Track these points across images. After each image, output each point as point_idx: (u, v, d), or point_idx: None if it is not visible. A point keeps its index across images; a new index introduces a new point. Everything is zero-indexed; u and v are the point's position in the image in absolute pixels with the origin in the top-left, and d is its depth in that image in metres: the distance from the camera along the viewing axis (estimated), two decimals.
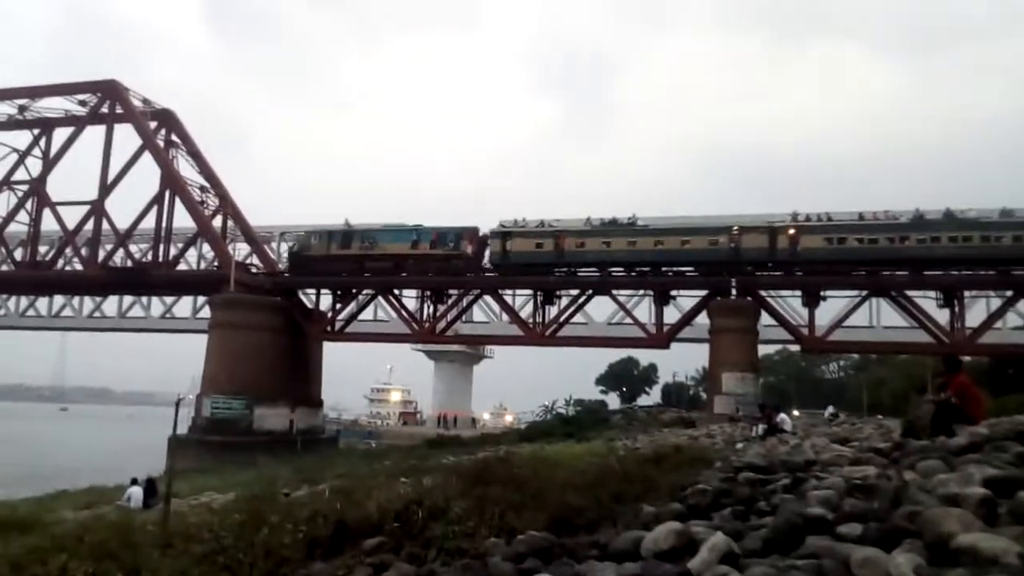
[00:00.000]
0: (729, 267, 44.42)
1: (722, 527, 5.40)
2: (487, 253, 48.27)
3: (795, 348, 55.23)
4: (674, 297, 47.37)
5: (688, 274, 46.18)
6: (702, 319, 46.31)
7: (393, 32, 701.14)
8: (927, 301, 44.12)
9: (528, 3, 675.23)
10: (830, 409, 39.43)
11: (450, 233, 48.86)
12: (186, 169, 56.91)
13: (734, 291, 44.86)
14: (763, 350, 50.58)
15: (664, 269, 45.90)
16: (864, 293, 44.70)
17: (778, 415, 21.44)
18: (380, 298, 52.69)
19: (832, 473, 7.87)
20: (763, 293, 45.76)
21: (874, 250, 41.95)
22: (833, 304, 45.49)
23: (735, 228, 43.87)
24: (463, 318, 53.50)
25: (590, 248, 45.77)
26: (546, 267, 47.03)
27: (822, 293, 44.72)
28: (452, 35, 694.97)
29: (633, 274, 46.85)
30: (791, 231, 43.03)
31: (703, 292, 46.36)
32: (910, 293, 44.17)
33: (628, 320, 48.17)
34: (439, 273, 49.44)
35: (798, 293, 45.19)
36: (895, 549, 4.15)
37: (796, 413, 33.89)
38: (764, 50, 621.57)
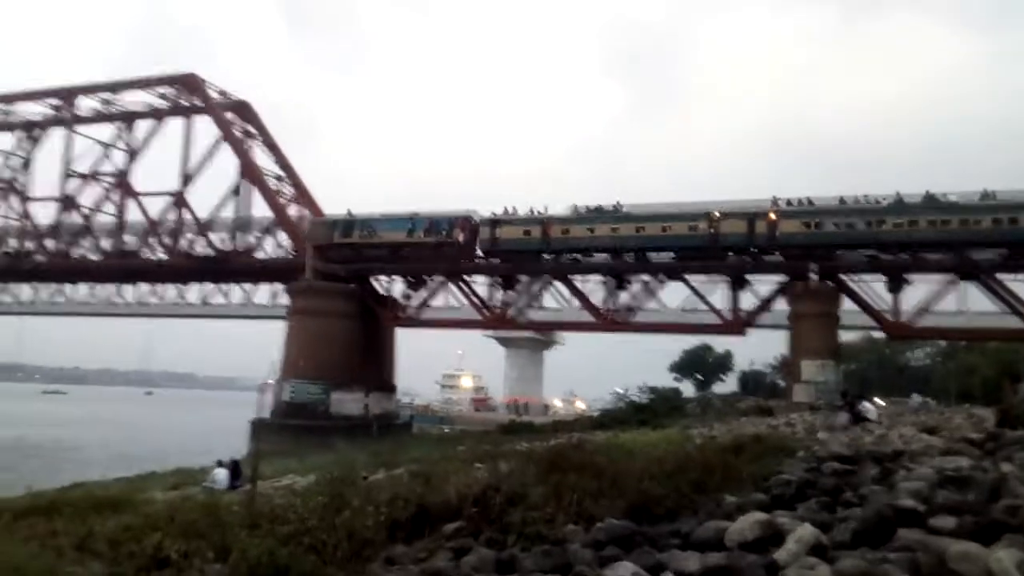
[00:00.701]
0: (707, 252, 44.75)
1: (809, 518, 5.26)
2: (479, 240, 49.37)
3: (878, 335, 53.37)
4: (751, 282, 46.40)
5: (767, 258, 45.19)
6: (780, 305, 45.24)
7: (463, 16, 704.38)
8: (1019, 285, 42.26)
9: None
10: (916, 398, 38.00)
11: (443, 221, 49.96)
12: (262, 159, 58.49)
13: (814, 275, 43.62)
14: (844, 336, 49.13)
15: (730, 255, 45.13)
16: (952, 277, 42.88)
17: (861, 403, 20.78)
18: (451, 284, 53.17)
19: (922, 464, 7.61)
20: (844, 277, 44.37)
21: (851, 234, 41.76)
22: (919, 288, 43.84)
23: (716, 214, 43.97)
24: (534, 304, 53.61)
25: (574, 235, 46.78)
26: (534, 254, 48.46)
27: (907, 277, 43.11)
28: (521, 19, 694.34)
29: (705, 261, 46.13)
30: (771, 216, 42.79)
31: (781, 277, 45.25)
32: (1002, 276, 42.23)
33: (702, 306, 47.46)
34: (431, 260, 50.54)
35: (882, 277, 43.68)
36: (994, 544, 3.98)
37: (879, 402, 32.78)
38: (838, 23, 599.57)
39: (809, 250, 43.16)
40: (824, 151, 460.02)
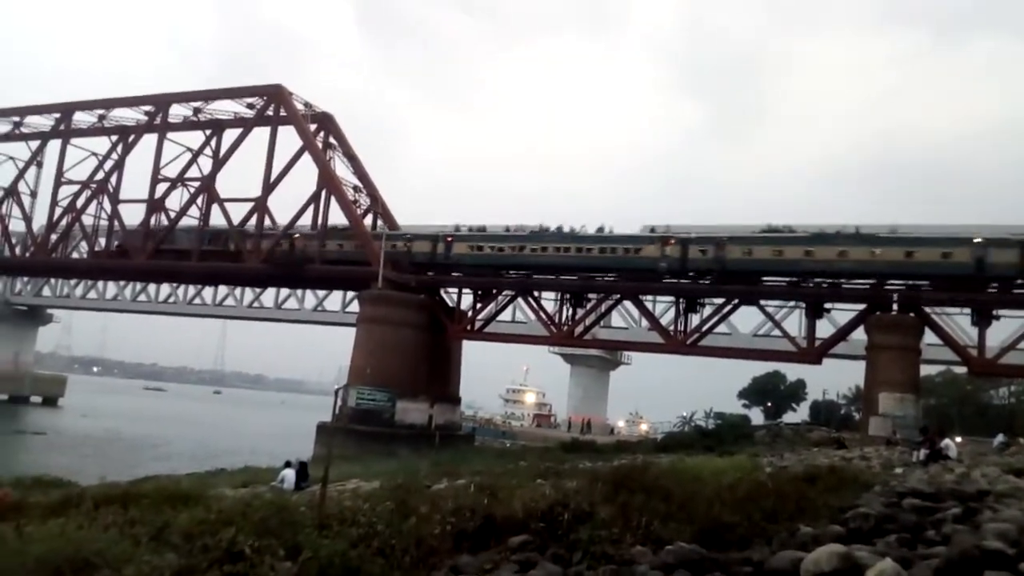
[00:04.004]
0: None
1: (889, 553, 5.07)
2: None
3: (960, 370, 51.21)
4: (828, 310, 45.15)
5: (845, 286, 43.91)
6: (859, 334, 43.81)
7: (541, 33, 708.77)
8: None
9: (675, 3, 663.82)
10: (1000, 437, 36.25)
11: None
12: (341, 169, 59.84)
13: (895, 306, 42.19)
14: (924, 370, 47.25)
15: (818, 280, 43.92)
16: None
17: (942, 440, 19.98)
18: (519, 299, 53.27)
19: (1009, 506, 7.27)
20: (928, 309, 42.76)
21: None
22: (1006, 324, 41.87)
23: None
24: (602, 322, 53.23)
25: (503, 252, 50.32)
26: (483, 268, 51.72)
27: (994, 312, 41.31)
28: (598, 36, 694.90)
29: (783, 283, 45.15)
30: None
31: (861, 306, 43.91)
32: None
33: (776, 332, 46.37)
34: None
35: (967, 311, 41.94)
36: None
37: (959, 439, 31.39)
38: (925, 48, 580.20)
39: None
40: (913, 177, 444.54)
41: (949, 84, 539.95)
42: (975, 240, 39.70)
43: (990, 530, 5.71)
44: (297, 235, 57.04)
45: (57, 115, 68.24)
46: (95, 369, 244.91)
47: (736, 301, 46.90)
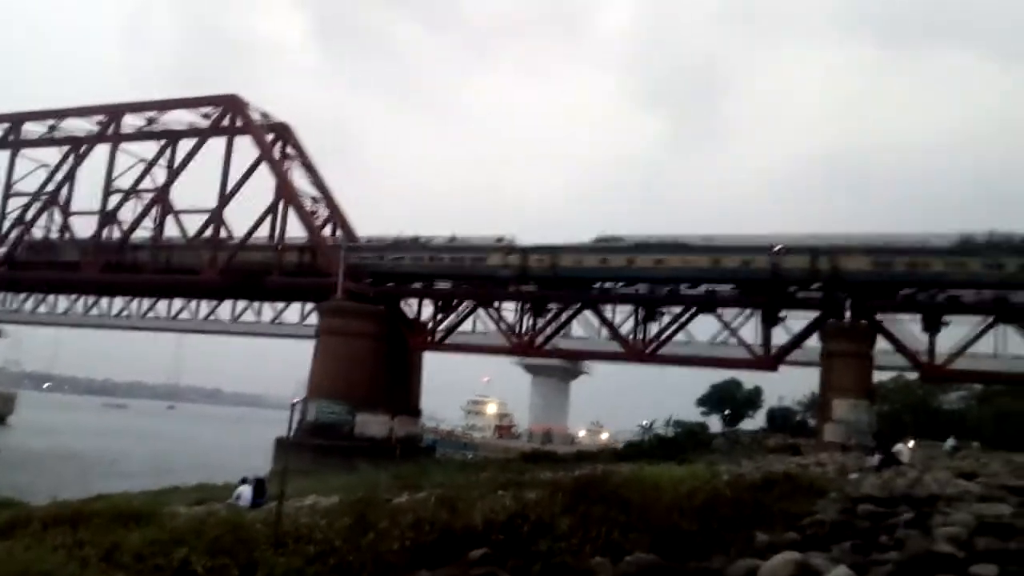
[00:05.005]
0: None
1: (843, 560, 5.14)
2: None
3: (912, 375, 52.37)
4: (783, 318, 45.91)
5: (799, 294, 44.75)
6: (813, 342, 44.62)
7: (497, 42, 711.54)
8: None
9: (632, 13, 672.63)
10: (951, 441, 37.17)
11: None
12: (299, 180, 59.32)
13: (848, 313, 43.06)
14: (877, 376, 48.27)
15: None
16: (991, 319, 42.07)
17: (894, 445, 20.41)
18: (480, 310, 53.23)
19: (959, 510, 7.43)
20: (880, 317, 43.73)
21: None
22: (957, 330, 43.00)
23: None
24: (562, 332, 53.45)
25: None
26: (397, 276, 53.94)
27: (944, 318, 42.38)
28: (557, 46, 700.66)
29: (736, 291, 45.89)
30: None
31: (815, 313, 44.73)
32: None
33: (733, 340, 46.98)
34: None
35: (917, 317, 42.98)
36: None
37: (911, 444, 32.10)
38: (878, 57, 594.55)
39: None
40: (874, 186, 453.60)
41: (909, 94, 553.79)
42: (774, 248, 43.38)
43: (941, 534, 5.82)
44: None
45: (6, 125, 66.60)
46: (46, 385, 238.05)
47: (694, 310, 47.48)
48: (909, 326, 43.74)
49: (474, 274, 50.59)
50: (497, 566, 5.77)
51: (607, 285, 49.69)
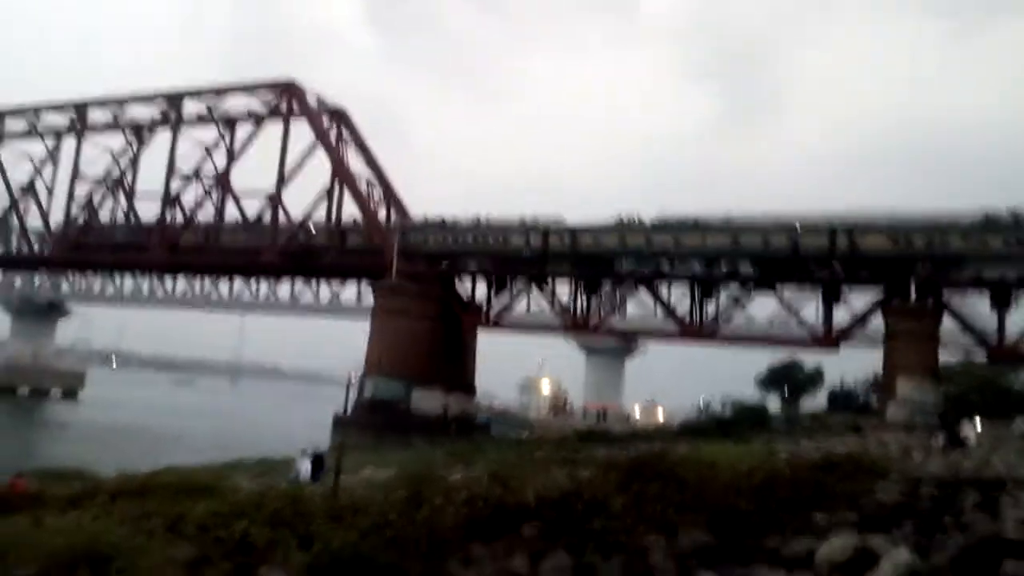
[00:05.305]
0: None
1: (904, 542, 5.00)
2: None
3: (980, 355, 50.65)
4: (845, 297, 44.81)
5: (863, 272, 43.65)
6: (877, 321, 43.52)
7: (546, 22, 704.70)
8: None
9: None
10: (1021, 422, 35.84)
11: None
12: (354, 162, 59.92)
13: (914, 291, 41.80)
14: (944, 356, 46.86)
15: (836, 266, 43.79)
16: None
17: (960, 425, 19.80)
18: (535, 289, 53.17)
19: None
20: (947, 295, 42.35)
21: None
22: None
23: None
24: (617, 311, 53.09)
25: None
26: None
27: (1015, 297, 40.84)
28: (606, 25, 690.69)
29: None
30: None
31: (879, 292, 43.56)
32: None
33: (793, 320, 46.05)
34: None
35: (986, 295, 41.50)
36: None
37: (978, 425, 31.02)
38: (943, 34, 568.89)
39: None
40: (938, 165, 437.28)
41: (974, 70, 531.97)
42: (792, 227, 43.27)
43: (1011, 518, 5.62)
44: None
45: (72, 113, 68.66)
46: (113, 363, 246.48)
47: (751, 288, 46.66)
48: (978, 306, 42.27)
49: (500, 254, 51.42)
50: (550, 542, 5.77)
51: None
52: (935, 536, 5.44)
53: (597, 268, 49.59)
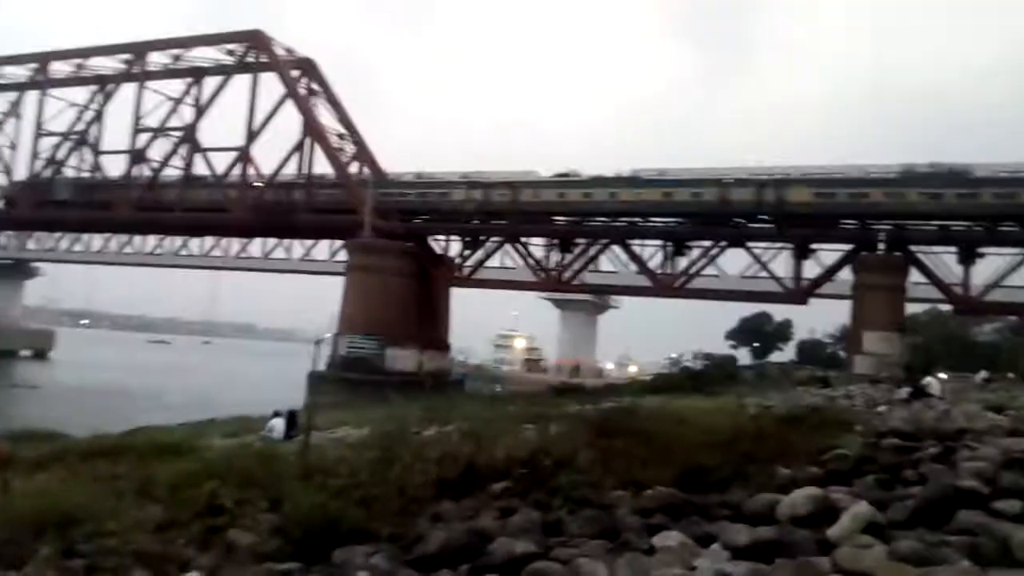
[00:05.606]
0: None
1: (865, 495, 5.12)
2: None
3: (946, 308, 51.70)
4: (815, 251, 45.33)
5: (835, 227, 44.23)
6: (845, 274, 44.11)
7: None
8: None
9: None
10: (982, 374, 36.77)
11: None
12: (325, 116, 58.97)
13: (882, 245, 42.37)
14: (910, 309, 47.79)
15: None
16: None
17: (924, 378, 20.23)
18: (508, 245, 53.15)
19: (987, 444, 7.35)
20: (914, 248, 43.00)
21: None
22: (992, 262, 42.24)
23: None
24: (590, 267, 53.33)
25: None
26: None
27: (979, 250, 41.56)
28: None
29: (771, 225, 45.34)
30: None
31: (847, 246, 44.08)
32: None
33: (763, 273, 46.54)
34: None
35: (952, 249, 42.21)
36: None
37: (943, 376, 31.78)
38: None
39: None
40: (913, 116, 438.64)
41: (949, 20, 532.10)
42: (722, 181, 44.59)
43: (967, 469, 5.75)
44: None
45: (34, 65, 66.69)
46: (84, 322, 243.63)
47: (724, 243, 47.00)
48: (944, 258, 43.00)
49: (440, 209, 52.16)
50: (519, 499, 5.85)
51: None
52: (895, 488, 5.56)
53: (537, 223, 50.83)
